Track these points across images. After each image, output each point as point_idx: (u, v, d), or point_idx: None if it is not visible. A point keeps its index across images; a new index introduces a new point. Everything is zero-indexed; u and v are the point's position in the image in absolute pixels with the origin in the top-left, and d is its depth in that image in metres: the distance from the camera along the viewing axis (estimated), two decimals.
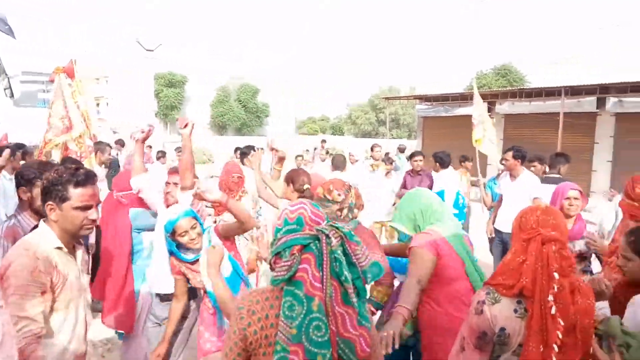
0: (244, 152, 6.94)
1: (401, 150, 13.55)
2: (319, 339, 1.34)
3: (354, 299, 1.39)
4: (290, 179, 3.40)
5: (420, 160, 6.66)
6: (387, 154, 9.01)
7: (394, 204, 6.84)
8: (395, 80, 52.17)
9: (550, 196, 3.65)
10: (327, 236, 1.39)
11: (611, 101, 13.11)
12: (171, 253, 2.68)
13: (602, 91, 13.23)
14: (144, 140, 3.29)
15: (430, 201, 2.61)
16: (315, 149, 19.02)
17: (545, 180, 5.35)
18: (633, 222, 2.76)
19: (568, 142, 13.07)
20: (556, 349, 1.57)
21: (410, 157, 7.01)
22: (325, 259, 1.37)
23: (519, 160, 5.22)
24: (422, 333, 2.51)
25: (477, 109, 5.97)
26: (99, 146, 5.98)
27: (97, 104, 39.17)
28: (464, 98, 16.85)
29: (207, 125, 46.07)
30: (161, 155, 11.06)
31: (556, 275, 1.61)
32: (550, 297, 1.59)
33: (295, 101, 55.41)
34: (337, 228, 1.42)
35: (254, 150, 7.16)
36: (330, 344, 1.34)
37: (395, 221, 2.65)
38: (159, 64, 37.14)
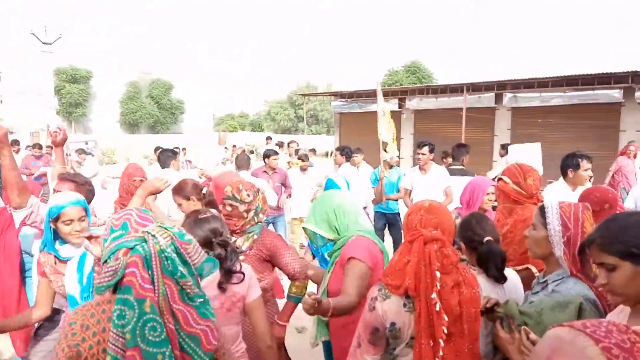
0: (166, 153, 6.21)
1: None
2: (156, 339, 1.34)
3: (192, 295, 1.41)
4: (180, 191, 3.24)
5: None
6: (297, 150, 9.10)
7: (311, 200, 6.95)
8: (313, 77, 52.67)
9: (458, 187, 3.83)
10: (154, 236, 1.38)
11: (507, 96, 14.26)
12: (44, 245, 2.43)
13: (500, 87, 14.36)
14: (61, 143, 3.04)
15: (342, 200, 2.60)
16: (234, 146, 18.71)
17: (450, 172, 5.69)
18: (509, 204, 2.99)
19: (471, 135, 14.00)
20: (442, 343, 1.67)
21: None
22: (154, 259, 1.36)
23: (432, 154, 5.48)
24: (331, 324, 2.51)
25: (380, 104, 6.32)
26: None
27: None
28: (376, 94, 17.45)
29: (116, 123, 43.51)
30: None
31: (438, 274, 1.71)
32: (434, 295, 1.69)
33: (212, 97, 54.04)
34: (165, 228, 1.42)
35: (177, 151, 6.86)
36: (168, 342, 1.35)
37: (309, 223, 2.60)
38: (58, 57, 34.36)
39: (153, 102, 45.22)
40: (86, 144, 21.38)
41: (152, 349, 1.33)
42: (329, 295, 2.46)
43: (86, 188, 2.98)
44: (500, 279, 2.23)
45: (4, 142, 2.57)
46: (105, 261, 1.42)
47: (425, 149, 5.40)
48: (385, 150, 6.51)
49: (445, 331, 1.67)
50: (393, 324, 1.74)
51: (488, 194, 3.53)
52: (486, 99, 14.66)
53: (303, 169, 7.11)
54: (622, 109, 12.76)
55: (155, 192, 2.73)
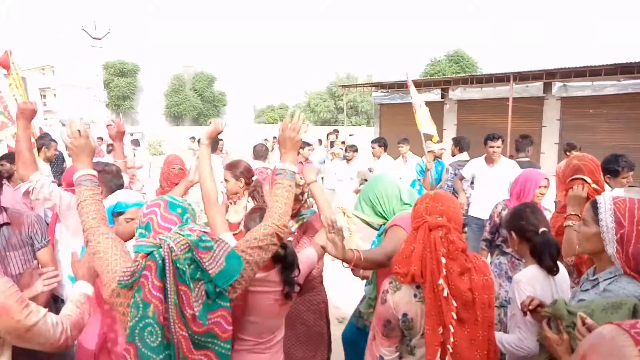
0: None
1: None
2: (152, 343, 1.40)
3: (199, 301, 1.46)
4: (233, 169, 3.19)
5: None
6: (342, 142, 9.04)
7: (355, 191, 6.93)
8: (353, 68, 52.39)
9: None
10: (169, 246, 1.42)
11: (556, 86, 13.67)
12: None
13: (548, 76, 13.77)
14: (119, 136, 3.12)
15: (386, 185, 2.57)
16: (274, 138, 18.85)
17: (518, 164, 5.45)
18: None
19: (517, 126, 13.55)
20: (452, 329, 1.67)
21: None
22: (168, 267, 1.41)
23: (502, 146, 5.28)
24: None
25: (414, 96, 6.11)
26: (44, 141, 5.69)
27: (43, 96, 37.33)
28: (418, 85, 17.13)
29: (162, 115, 44.83)
30: (112, 148, 10.64)
31: (443, 259, 1.71)
32: (441, 281, 1.69)
33: (253, 89, 54.73)
34: (184, 236, 1.45)
35: (219, 140, 6.99)
36: (162, 350, 1.40)
37: (356, 209, 2.63)
38: (107, 52, 35.69)
39: (196, 95, 46.23)
40: (132, 135, 22.19)
41: (146, 351, 1.40)
42: (377, 277, 2.48)
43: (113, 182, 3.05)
44: (554, 269, 2.19)
45: (25, 114, 2.64)
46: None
47: (500, 142, 5.18)
48: (431, 141, 6.44)
49: (455, 317, 1.68)
50: (405, 314, 1.76)
51: (540, 187, 3.43)
52: (534, 89, 14.12)
53: (349, 160, 7.12)
54: None
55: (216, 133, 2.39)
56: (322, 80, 52.40)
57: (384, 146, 7.04)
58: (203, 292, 1.47)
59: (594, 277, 1.86)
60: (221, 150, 10.28)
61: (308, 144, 6.95)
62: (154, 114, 43.58)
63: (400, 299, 1.77)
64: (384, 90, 18.20)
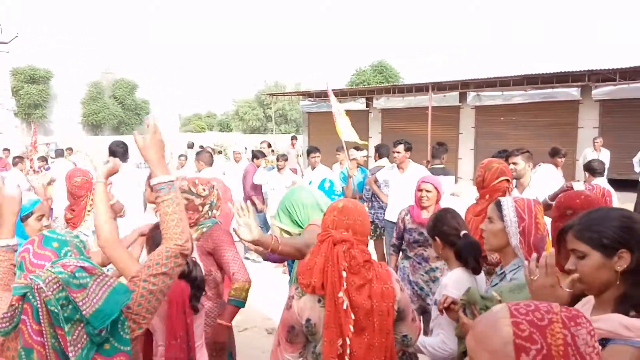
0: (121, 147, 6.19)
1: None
2: None
3: (77, 346, 1.32)
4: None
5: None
6: (272, 151, 9.02)
7: None
8: (281, 76, 52.55)
9: (443, 186, 3.90)
10: (39, 286, 1.30)
11: (471, 95, 14.60)
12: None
13: (463, 87, 14.68)
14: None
15: (301, 194, 2.63)
16: (200, 147, 18.37)
17: (433, 171, 5.63)
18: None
19: (437, 133, 14.28)
20: (348, 341, 1.73)
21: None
22: (40, 310, 1.31)
23: (409, 152, 5.39)
24: None
25: (334, 105, 6.24)
26: None
27: None
28: (344, 94, 17.55)
29: (78, 124, 42.21)
30: (19, 160, 9.80)
31: (344, 273, 1.76)
32: (341, 294, 1.74)
33: (178, 97, 53.12)
34: (55, 273, 1.32)
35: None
36: None
37: (276, 219, 2.68)
38: (15, 57, 33.03)
39: (117, 103, 44.02)
40: (47, 145, 20.67)
41: None
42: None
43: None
44: (478, 269, 2.32)
45: None
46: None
47: (401, 147, 5.31)
48: (356, 149, 6.56)
49: (352, 329, 1.74)
50: (308, 320, 1.79)
51: (421, 190, 3.68)
52: (451, 98, 14.97)
53: (280, 169, 7.10)
54: (579, 107, 13.26)
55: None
56: (250, 88, 51.98)
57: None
58: (84, 335, 1.33)
59: (501, 272, 2.04)
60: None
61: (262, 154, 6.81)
62: (69, 123, 40.90)
63: (305, 305, 1.80)
64: (312, 99, 18.44)
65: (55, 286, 1.30)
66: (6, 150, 10.65)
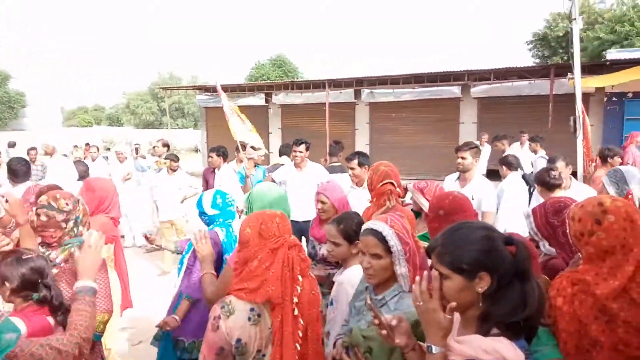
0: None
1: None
2: None
3: None
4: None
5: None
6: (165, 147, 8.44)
7: (182, 201, 6.69)
8: (177, 68, 50.31)
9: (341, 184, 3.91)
10: None
11: (365, 92, 15.26)
12: None
13: (358, 84, 15.30)
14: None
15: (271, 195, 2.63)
16: (87, 144, 16.98)
17: (331, 169, 5.64)
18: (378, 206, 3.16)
19: (334, 129, 14.73)
20: (299, 347, 1.75)
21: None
22: None
23: (308, 152, 5.34)
24: None
25: (225, 104, 5.96)
26: None
27: None
28: (242, 89, 17.36)
29: None
30: None
31: (300, 278, 1.80)
32: (295, 299, 1.76)
33: (60, 89, 48.57)
34: None
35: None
36: None
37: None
38: None
39: None
40: None
41: None
42: None
43: None
44: None
45: None
46: None
47: (303, 147, 5.26)
48: (253, 148, 6.44)
49: (301, 334, 1.76)
50: (239, 340, 1.74)
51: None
52: (347, 95, 15.50)
53: (172, 170, 6.70)
54: (460, 104, 14.50)
55: None
56: (142, 80, 49.11)
57: (223, 155, 6.39)
58: None
59: (381, 297, 1.85)
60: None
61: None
62: None
63: (235, 324, 1.74)
64: (209, 94, 17.95)
65: None
66: None
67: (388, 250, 1.79)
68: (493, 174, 8.24)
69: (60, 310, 1.88)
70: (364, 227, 1.90)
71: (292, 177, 5.41)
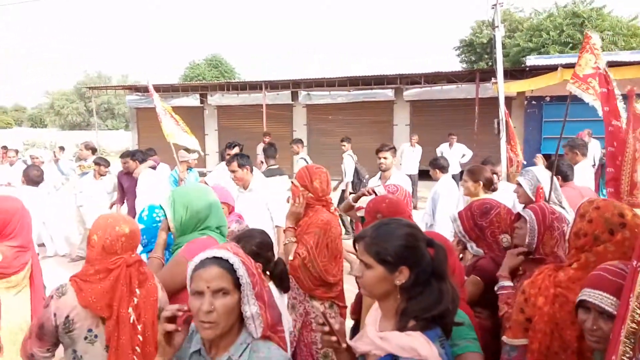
0: None
1: None
2: None
3: None
4: None
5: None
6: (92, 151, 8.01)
7: (110, 207, 6.36)
8: (105, 67, 47.93)
9: (282, 185, 3.81)
10: None
11: (302, 94, 15.34)
12: None
13: (295, 86, 15.35)
14: None
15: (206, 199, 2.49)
16: (3, 147, 15.75)
17: (270, 172, 5.61)
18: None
19: (271, 130, 14.62)
20: (138, 349, 1.84)
21: None
22: None
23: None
24: None
25: (157, 105, 5.76)
26: None
27: None
28: (175, 90, 16.87)
29: None
30: None
31: (137, 290, 1.88)
32: (130, 310, 1.85)
33: None
34: None
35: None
36: None
37: (170, 209, 2.44)
38: None
39: None
40: None
41: None
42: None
43: None
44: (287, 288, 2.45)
45: None
46: None
47: (236, 149, 5.31)
48: (186, 151, 6.28)
49: (141, 338, 1.85)
50: (67, 317, 1.83)
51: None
52: (284, 96, 15.52)
53: (100, 174, 6.36)
54: (394, 106, 14.95)
55: None
56: (67, 79, 46.35)
57: (139, 160, 5.97)
58: None
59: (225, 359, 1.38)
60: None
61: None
62: None
63: (65, 304, 1.82)
64: (140, 94, 17.29)
65: None
66: None
67: (237, 284, 1.36)
68: (424, 174, 8.56)
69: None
70: (203, 255, 1.39)
71: (229, 181, 5.31)
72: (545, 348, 1.61)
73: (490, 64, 22.43)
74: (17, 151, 9.08)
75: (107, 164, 6.47)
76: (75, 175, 6.78)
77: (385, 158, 4.37)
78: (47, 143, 25.04)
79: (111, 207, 6.37)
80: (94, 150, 7.23)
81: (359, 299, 2.46)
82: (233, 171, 4.20)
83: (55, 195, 7.49)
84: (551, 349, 1.61)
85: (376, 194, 2.98)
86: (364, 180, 7.03)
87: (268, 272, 2.31)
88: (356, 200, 3.29)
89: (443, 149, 10.44)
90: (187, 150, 6.10)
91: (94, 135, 19.56)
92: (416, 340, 1.25)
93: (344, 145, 7.66)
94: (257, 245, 2.27)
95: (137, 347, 1.83)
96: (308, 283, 2.71)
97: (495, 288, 2.17)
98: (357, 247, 1.48)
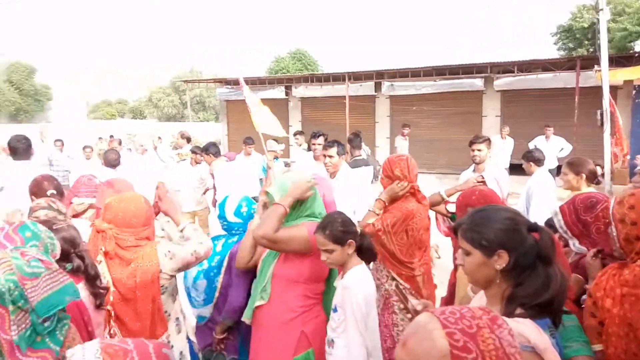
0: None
1: None
2: None
3: (13, 331, 1.33)
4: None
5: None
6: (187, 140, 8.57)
7: (204, 193, 6.76)
8: (197, 62, 50.72)
9: (367, 177, 3.82)
10: None
11: (385, 85, 15.16)
12: None
13: (378, 77, 15.19)
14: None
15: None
16: (111, 136, 17.28)
17: (356, 163, 5.53)
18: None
19: (354, 122, 14.69)
20: (110, 307, 2.11)
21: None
22: None
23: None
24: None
25: (248, 97, 5.88)
26: None
27: None
28: (262, 82, 17.44)
29: None
30: None
31: (100, 257, 2.10)
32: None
33: (84, 83, 49.59)
34: (10, 257, 1.36)
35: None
36: None
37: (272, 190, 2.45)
38: None
39: (13, 88, 40.10)
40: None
41: None
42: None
43: None
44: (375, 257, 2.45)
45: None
46: None
47: (321, 139, 5.20)
48: (275, 141, 6.46)
49: (112, 299, 2.05)
50: None
51: None
52: (367, 88, 15.42)
53: (197, 162, 6.79)
54: (483, 97, 14.28)
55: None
56: (164, 73, 49.66)
57: (215, 154, 6.37)
58: (27, 321, 1.36)
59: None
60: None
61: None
62: None
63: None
64: (229, 86, 18.08)
65: (6, 268, 1.32)
66: None
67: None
68: (516, 168, 8.12)
69: (96, 279, 1.90)
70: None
71: (312, 169, 5.40)
72: (622, 352, 1.52)
73: (591, 50, 20.60)
74: (120, 140, 9.95)
75: (203, 152, 6.87)
76: (173, 162, 7.27)
77: (479, 150, 4.14)
78: (146, 134, 27.08)
79: (205, 192, 6.76)
80: (188, 139, 7.74)
81: (451, 290, 2.42)
82: (330, 156, 4.22)
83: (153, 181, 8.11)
84: (629, 352, 1.51)
85: (485, 183, 2.96)
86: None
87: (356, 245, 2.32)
88: (450, 195, 3.22)
89: (538, 142, 9.77)
90: (276, 140, 6.29)
91: (187, 126, 20.82)
92: (525, 327, 1.20)
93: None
94: (342, 225, 2.26)
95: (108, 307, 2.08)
96: (381, 250, 2.81)
97: (582, 299, 2.00)
98: (457, 236, 1.49)
